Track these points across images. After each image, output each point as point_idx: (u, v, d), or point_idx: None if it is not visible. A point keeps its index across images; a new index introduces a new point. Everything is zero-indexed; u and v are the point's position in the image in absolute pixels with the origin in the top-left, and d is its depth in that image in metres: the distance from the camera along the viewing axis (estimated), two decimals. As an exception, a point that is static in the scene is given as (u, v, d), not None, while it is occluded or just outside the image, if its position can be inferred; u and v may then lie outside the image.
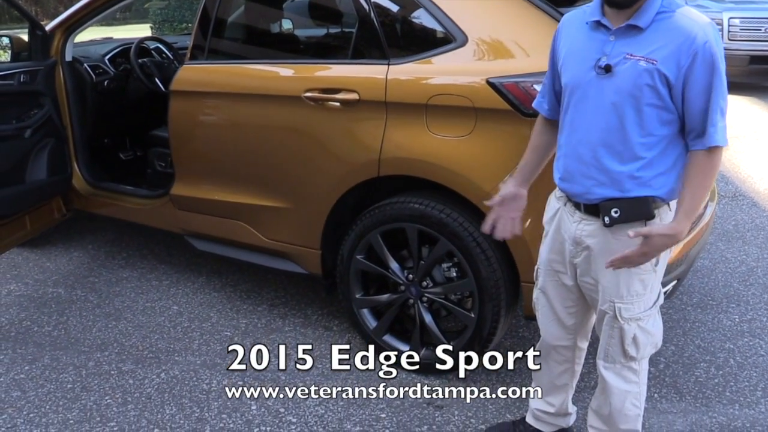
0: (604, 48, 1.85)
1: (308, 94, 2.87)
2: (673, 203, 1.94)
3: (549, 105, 2.15)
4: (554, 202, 2.13)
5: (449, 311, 2.87)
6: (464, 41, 2.62)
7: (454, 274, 2.80)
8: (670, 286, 2.64)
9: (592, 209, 1.95)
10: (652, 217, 1.90)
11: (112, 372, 3.00)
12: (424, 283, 2.83)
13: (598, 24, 1.88)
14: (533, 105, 2.23)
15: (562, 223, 2.07)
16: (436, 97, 2.62)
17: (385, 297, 2.97)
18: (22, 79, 3.52)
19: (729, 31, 9.19)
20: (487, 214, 2.25)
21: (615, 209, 1.88)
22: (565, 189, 2.02)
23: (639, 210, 1.88)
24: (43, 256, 4.21)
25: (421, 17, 2.78)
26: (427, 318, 2.86)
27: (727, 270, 3.93)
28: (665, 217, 1.92)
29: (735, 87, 9.57)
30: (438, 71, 2.67)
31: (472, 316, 2.73)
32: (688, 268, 2.76)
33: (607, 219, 1.90)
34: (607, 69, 1.83)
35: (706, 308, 3.48)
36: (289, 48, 3.52)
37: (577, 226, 2.01)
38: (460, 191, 2.63)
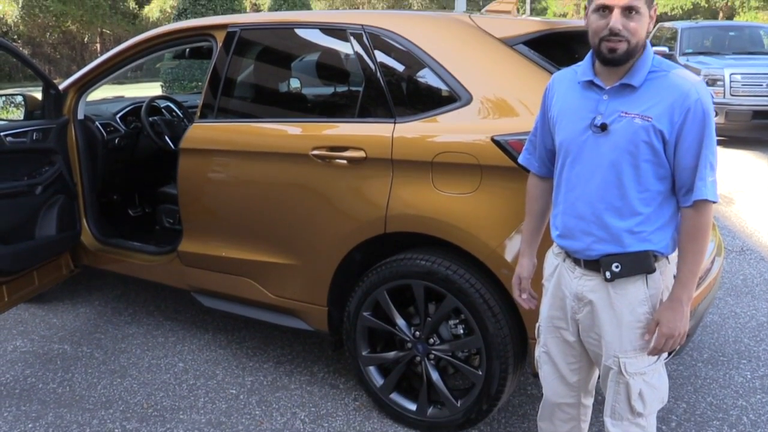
0: (598, 107, 1.89)
1: (315, 152, 2.91)
2: (672, 256, 1.96)
3: (538, 162, 2.19)
4: (552, 259, 2.14)
5: (457, 368, 2.84)
6: (469, 100, 2.66)
7: (461, 330, 2.78)
8: (679, 343, 2.61)
9: (593, 265, 1.96)
10: (653, 270, 1.92)
11: (117, 430, 2.96)
12: (431, 340, 2.81)
13: (591, 83, 1.92)
14: (520, 161, 2.27)
15: (562, 279, 2.07)
16: (442, 154, 2.65)
17: (391, 354, 2.95)
18: (34, 137, 3.58)
19: (731, 87, 9.32)
20: (514, 293, 2.31)
21: (616, 264, 1.91)
22: (565, 246, 2.03)
23: (639, 264, 1.91)
24: (50, 312, 4.21)
25: (427, 76, 2.83)
26: (435, 375, 2.83)
27: (737, 325, 3.89)
28: (665, 270, 1.95)
29: (738, 142, 9.69)
30: (443, 129, 2.70)
31: (480, 373, 2.71)
32: (697, 324, 2.74)
33: (608, 274, 1.92)
34: (603, 128, 1.87)
35: (717, 364, 3.43)
36: (296, 107, 3.57)
37: (578, 282, 2.01)
38: (466, 248, 2.63)
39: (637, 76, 1.84)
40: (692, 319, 2.66)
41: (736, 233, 5.68)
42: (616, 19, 1.78)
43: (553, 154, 2.09)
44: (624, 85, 1.86)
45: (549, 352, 2.20)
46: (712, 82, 9.41)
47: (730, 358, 3.50)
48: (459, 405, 2.79)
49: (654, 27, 14.27)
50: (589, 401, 2.27)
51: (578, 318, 2.05)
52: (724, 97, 9.30)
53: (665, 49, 11.59)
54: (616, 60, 1.83)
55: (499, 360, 2.64)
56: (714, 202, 1.83)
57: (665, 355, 2.03)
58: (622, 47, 1.80)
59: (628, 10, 1.78)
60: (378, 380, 2.99)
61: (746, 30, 12.30)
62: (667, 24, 12.96)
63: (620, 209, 1.88)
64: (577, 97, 1.96)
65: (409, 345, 2.87)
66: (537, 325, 2.24)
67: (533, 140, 2.19)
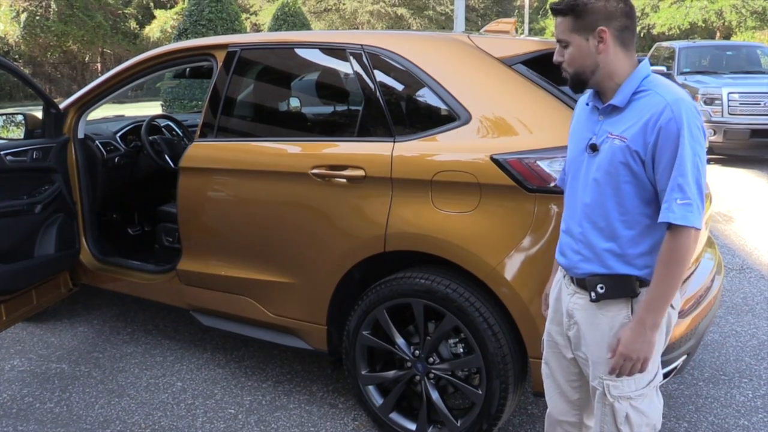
0: (594, 128, 1.93)
1: (315, 171, 2.92)
2: None
3: None
4: (558, 273, 2.16)
5: (456, 388, 2.83)
6: (468, 119, 2.67)
7: (461, 349, 2.77)
8: (680, 361, 2.61)
9: (582, 283, 1.97)
10: (636, 295, 1.89)
11: (114, 451, 2.95)
12: (431, 359, 2.80)
13: (594, 105, 1.95)
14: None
15: (561, 294, 2.10)
16: (441, 173, 2.66)
17: (391, 373, 2.93)
18: (34, 156, 3.59)
19: (729, 106, 9.36)
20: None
21: (600, 285, 1.91)
22: (560, 262, 2.06)
23: (622, 288, 1.89)
24: (48, 331, 4.20)
25: (426, 96, 2.84)
26: (434, 395, 2.82)
27: (737, 344, 3.88)
28: None
29: (736, 160, 9.71)
30: (442, 148, 2.71)
31: (480, 392, 2.69)
32: (697, 343, 2.73)
33: (593, 294, 1.92)
34: (593, 148, 1.90)
35: (718, 383, 3.42)
36: (296, 126, 3.58)
37: (570, 299, 2.03)
38: (465, 266, 2.63)
39: (620, 96, 1.85)
40: (693, 337, 2.68)
41: (735, 251, 5.68)
42: (556, 52, 1.93)
43: None
44: (612, 107, 1.87)
45: (550, 367, 2.19)
46: (710, 102, 9.46)
47: (731, 377, 3.49)
48: (459, 425, 2.77)
49: (650, 49, 14.24)
50: (592, 422, 2.24)
51: (569, 335, 2.05)
52: (722, 116, 9.35)
53: (663, 69, 11.71)
54: (572, 87, 1.94)
55: (499, 379, 2.63)
56: (687, 227, 1.73)
57: (659, 379, 2.00)
58: (567, 76, 1.93)
59: (560, 43, 1.91)
60: (377, 400, 2.97)
61: (744, 49, 12.41)
62: (664, 44, 13.06)
63: (603, 230, 1.89)
64: (583, 118, 2.00)
65: (409, 364, 2.85)
66: (543, 338, 2.24)
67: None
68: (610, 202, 1.86)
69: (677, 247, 1.76)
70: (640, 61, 1.90)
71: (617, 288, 1.89)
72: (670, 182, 1.74)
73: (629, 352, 1.83)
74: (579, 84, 1.92)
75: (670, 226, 1.76)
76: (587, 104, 1.99)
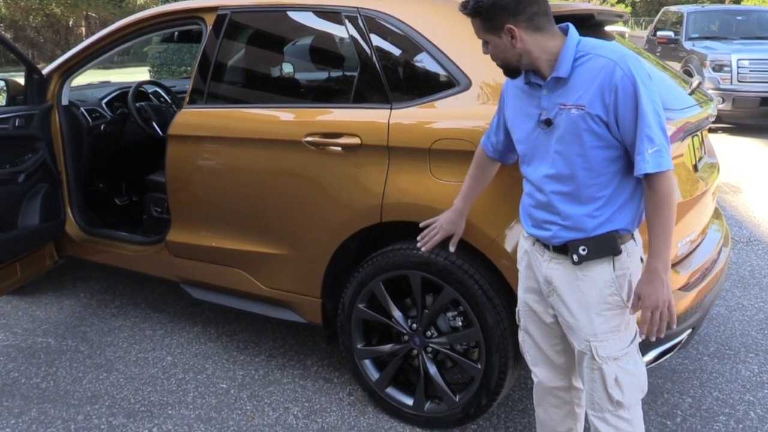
0: (541, 103, 1.94)
1: (309, 139, 2.83)
2: (638, 233, 1.99)
3: (493, 148, 2.28)
4: (522, 242, 2.19)
5: (455, 362, 2.78)
6: (468, 85, 2.59)
7: (460, 323, 2.71)
8: (684, 335, 2.58)
9: (561, 249, 1.99)
10: (619, 252, 1.92)
11: (103, 426, 2.88)
12: (429, 333, 2.74)
13: (532, 82, 1.97)
14: (481, 143, 2.32)
15: (533, 261, 2.11)
16: (440, 141, 2.58)
17: (387, 347, 2.87)
18: (17, 123, 3.48)
19: (738, 73, 9.18)
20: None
21: (582, 247, 1.93)
22: (535, 234, 2.06)
23: (605, 247, 1.92)
24: (33, 305, 4.12)
25: (424, 61, 2.74)
26: (432, 369, 2.77)
27: (743, 318, 3.82)
28: (631, 250, 1.96)
29: (745, 129, 9.61)
30: (441, 115, 2.62)
31: (479, 367, 2.64)
32: (703, 316, 2.69)
33: (575, 257, 1.94)
34: (548, 123, 1.91)
35: (723, 358, 3.37)
36: (289, 92, 3.49)
37: (547, 265, 2.04)
38: (465, 238, 2.54)
39: (563, 67, 1.85)
40: (698, 311, 2.63)
41: (743, 223, 5.61)
42: (482, 46, 1.99)
43: (505, 146, 2.24)
44: (556, 79, 1.88)
45: (531, 335, 2.22)
46: (718, 68, 9.27)
47: (737, 351, 3.44)
48: (457, 400, 2.73)
49: (658, 14, 13.96)
50: (581, 384, 2.22)
51: (551, 301, 2.07)
52: (731, 83, 9.17)
53: (671, 34, 11.46)
54: (507, 75, 1.99)
55: (499, 353, 2.57)
56: (663, 172, 1.80)
57: (638, 338, 2.02)
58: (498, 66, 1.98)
59: (481, 41, 1.97)
60: (373, 374, 2.92)
61: (754, 14, 11.99)
62: (672, 8, 12.71)
63: (578, 197, 1.91)
64: (523, 96, 2.02)
65: (406, 338, 2.80)
66: (517, 309, 2.25)
67: (494, 127, 2.27)
68: (581, 171, 1.88)
69: (661, 192, 1.83)
70: (563, 30, 1.91)
71: (600, 248, 1.92)
72: (638, 135, 1.80)
73: (654, 302, 1.85)
74: (512, 72, 1.96)
75: (647, 176, 1.83)
76: (526, 83, 1.99)
